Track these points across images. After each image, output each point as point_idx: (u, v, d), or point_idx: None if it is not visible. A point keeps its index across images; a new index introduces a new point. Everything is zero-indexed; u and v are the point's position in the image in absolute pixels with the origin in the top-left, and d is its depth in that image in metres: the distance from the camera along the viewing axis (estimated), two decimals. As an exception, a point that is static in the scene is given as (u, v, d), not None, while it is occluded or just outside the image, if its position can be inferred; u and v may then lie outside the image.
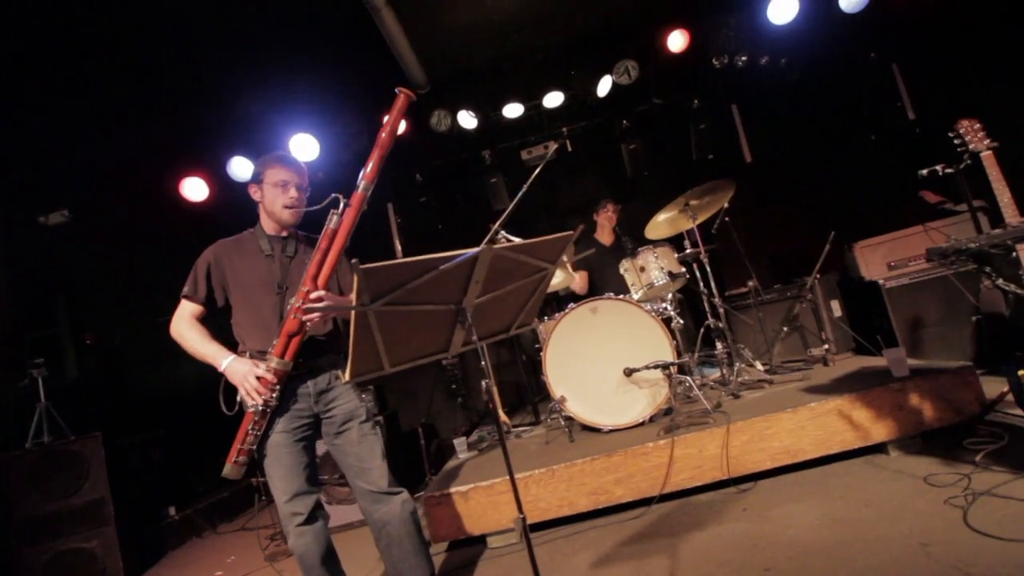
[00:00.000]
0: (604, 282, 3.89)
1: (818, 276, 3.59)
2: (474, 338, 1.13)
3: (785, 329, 3.66)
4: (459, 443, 3.36)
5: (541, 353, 3.10)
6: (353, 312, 0.99)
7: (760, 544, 1.99)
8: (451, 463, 3.23)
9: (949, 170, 2.59)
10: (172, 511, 4.21)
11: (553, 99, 4.47)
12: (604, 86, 4.40)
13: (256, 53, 3.78)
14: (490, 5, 3.84)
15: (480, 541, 2.61)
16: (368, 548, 2.83)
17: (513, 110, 4.51)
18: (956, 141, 2.42)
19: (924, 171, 2.72)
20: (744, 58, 4.37)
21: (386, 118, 1.90)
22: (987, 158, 2.33)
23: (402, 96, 1.84)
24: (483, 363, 1.18)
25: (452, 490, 2.58)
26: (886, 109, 4.75)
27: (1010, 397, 2.21)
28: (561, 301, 4.26)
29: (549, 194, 5.24)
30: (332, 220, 1.79)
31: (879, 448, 2.50)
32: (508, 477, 2.56)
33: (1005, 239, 1.79)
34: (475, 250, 1.04)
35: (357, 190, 1.80)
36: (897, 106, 4.70)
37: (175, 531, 4.13)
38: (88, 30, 3.28)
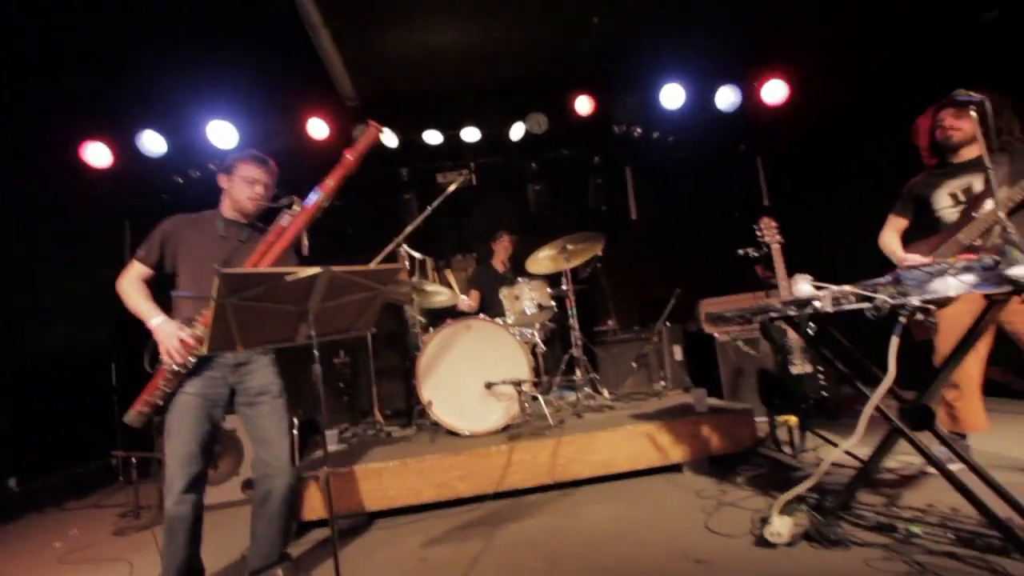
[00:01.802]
0: (492, 304, 4.32)
1: (667, 324, 4.25)
2: (312, 333, 1.46)
3: (635, 365, 4.27)
4: (329, 435, 3.58)
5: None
6: (213, 302, 1.30)
7: (561, 532, 2.44)
8: (317, 452, 3.44)
9: (755, 253, 3.29)
10: (12, 483, 4.00)
11: (470, 134, 4.91)
12: (517, 131, 4.92)
13: (180, 35, 3.83)
14: (423, 40, 4.23)
15: (325, 524, 2.84)
16: (221, 533, 2.95)
17: (433, 137, 4.89)
18: (758, 233, 3.11)
19: (741, 251, 3.41)
20: (639, 130, 5.08)
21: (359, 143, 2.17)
22: (775, 250, 3.01)
23: (372, 130, 2.13)
24: (315, 352, 1.49)
25: (307, 474, 2.82)
26: (749, 193, 5.68)
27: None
28: (453, 316, 4.64)
29: (459, 219, 5.64)
30: (284, 219, 2.05)
31: (676, 468, 3.07)
32: (363, 467, 2.86)
33: (751, 312, 2.37)
34: (316, 270, 1.38)
35: (314, 200, 2.06)
36: (757, 193, 5.63)
37: (14, 504, 3.92)
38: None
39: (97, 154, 4.29)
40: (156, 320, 1.99)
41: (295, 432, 3.95)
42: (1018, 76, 4.14)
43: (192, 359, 1.96)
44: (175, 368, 1.95)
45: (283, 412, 2.19)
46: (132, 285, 2.09)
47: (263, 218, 2.29)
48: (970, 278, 1.49)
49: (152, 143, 4.39)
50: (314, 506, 2.80)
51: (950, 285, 1.52)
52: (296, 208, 2.07)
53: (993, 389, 4.11)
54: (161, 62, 3.97)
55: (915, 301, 1.59)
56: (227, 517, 3.14)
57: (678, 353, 4.35)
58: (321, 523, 2.84)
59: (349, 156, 2.15)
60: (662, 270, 5.44)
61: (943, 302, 1.67)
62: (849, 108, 4.69)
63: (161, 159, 4.49)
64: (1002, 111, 2.27)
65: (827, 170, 5.09)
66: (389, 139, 4.80)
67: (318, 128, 4.59)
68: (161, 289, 2.16)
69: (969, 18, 4.13)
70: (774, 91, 4.89)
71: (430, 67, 4.57)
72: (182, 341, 1.94)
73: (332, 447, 3.51)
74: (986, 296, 1.49)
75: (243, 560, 2.41)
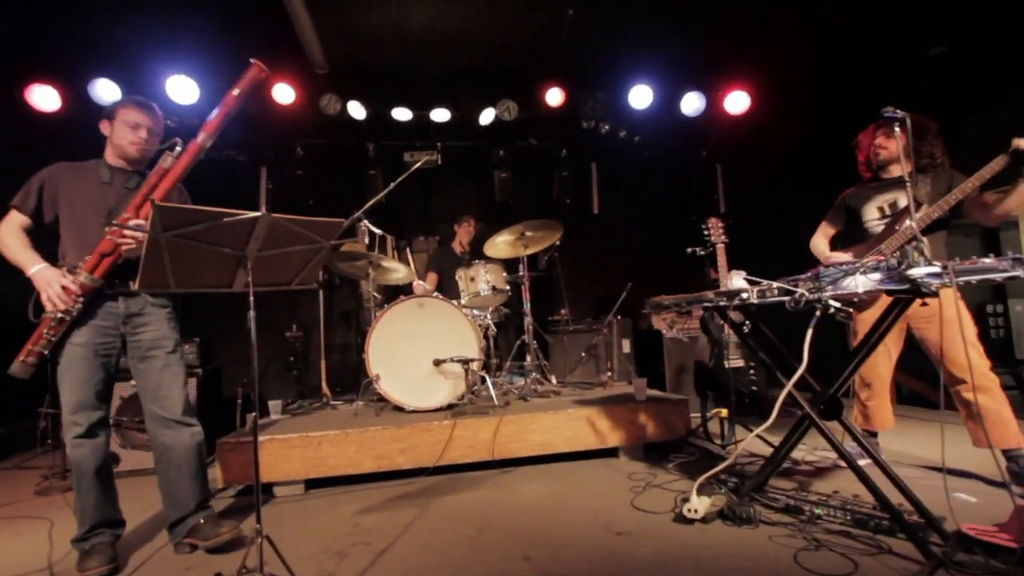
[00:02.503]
0: (450, 286, 4.34)
1: (618, 317, 4.38)
2: (249, 280, 1.46)
3: (584, 355, 4.38)
4: (273, 405, 3.54)
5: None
6: (147, 236, 1.28)
7: (493, 504, 2.50)
8: (261, 421, 3.40)
9: (701, 252, 3.43)
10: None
11: (440, 114, 4.90)
12: (487, 116, 4.94)
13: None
14: (399, 16, 4.19)
15: (267, 490, 2.84)
16: (157, 493, 2.91)
17: (402, 114, 4.86)
18: (705, 232, 3.24)
19: (689, 249, 3.55)
20: (607, 127, 5.18)
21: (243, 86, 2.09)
22: (719, 249, 3.15)
23: (255, 68, 2.05)
24: (250, 313, 1.49)
25: (247, 440, 2.79)
26: (707, 198, 5.88)
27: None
28: (408, 294, 4.65)
29: (424, 200, 5.62)
30: (166, 160, 2.00)
31: (613, 452, 3.18)
32: (303, 435, 2.85)
33: (687, 301, 2.49)
34: (256, 214, 1.38)
35: (195, 139, 2.01)
36: (714, 199, 5.84)
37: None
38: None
39: (45, 98, 4.08)
40: (36, 267, 1.94)
41: (239, 403, 3.93)
42: (960, 105, 4.47)
43: (78, 306, 1.91)
44: (59, 315, 1.89)
45: (178, 367, 2.16)
46: (10, 234, 2.01)
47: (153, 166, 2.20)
48: (877, 276, 1.63)
49: (106, 92, 4.20)
50: (250, 473, 2.77)
51: (860, 282, 1.65)
52: (179, 149, 2.02)
53: (914, 399, 4.45)
54: (123, 11, 3.80)
55: (828, 296, 1.71)
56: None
57: (626, 346, 4.49)
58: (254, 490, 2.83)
59: (232, 94, 2.09)
60: (618, 266, 5.57)
61: (854, 298, 1.80)
62: (804, 123, 4.92)
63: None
64: (925, 135, 2.45)
65: (781, 180, 5.32)
66: (357, 111, 4.74)
67: (284, 93, 4.49)
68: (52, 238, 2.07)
69: (919, 51, 4.42)
70: (737, 101, 5.07)
71: (404, 44, 4.52)
72: (65, 288, 1.90)
73: (275, 417, 3.48)
74: (890, 294, 1.62)
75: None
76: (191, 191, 2.26)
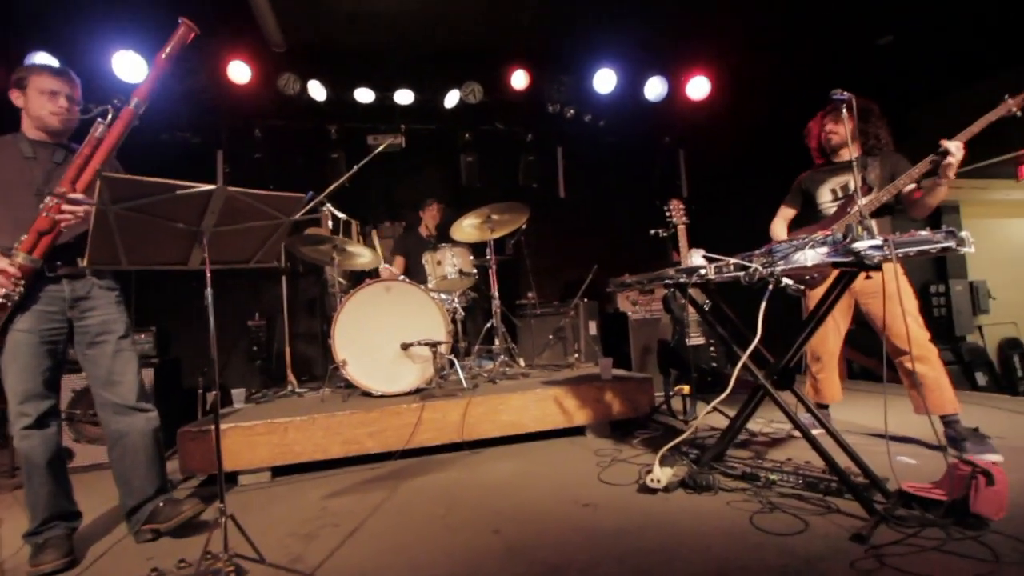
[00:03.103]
0: (416, 271, 4.31)
1: (585, 300, 4.44)
2: (206, 256, 1.41)
3: (551, 337, 4.43)
4: (236, 393, 3.47)
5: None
6: (94, 209, 1.22)
7: (462, 484, 2.53)
8: (224, 410, 3.32)
9: (664, 233, 3.51)
10: None
11: (404, 96, 4.81)
12: (452, 99, 4.88)
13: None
14: (360, -3, 4.07)
15: (232, 479, 2.79)
16: (114, 487, 2.82)
17: (364, 95, 4.74)
18: (667, 214, 3.31)
19: (652, 231, 3.62)
20: (572, 111, 5.19)
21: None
22: (680, 230, 3.23)
23: (182, 27, 1.95)
24: (207, 291, 1.44)
25: (209, 427, 2.72)
26: (669, 183, 5.99)
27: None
28: (374, 278, 4.59)
29: (388, 184, 5.54)
30: (98, 129, 1.87)
31: (579, 430, 3.25)
32: (268, 421, 2.80)
33: (648, 279, 2.54)
34: (210, 187, 1.34)
35: (128, 105, 1.90)
36: (677, 184, 5.95)
37: None
38: None
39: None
40: None
41: (200, 392, 3.82)
42: (909, 95, 4.68)
43: (19, 290, 1.80)
44: None
45: (131, 352, 2.08)
46: None
47: (79, 138, 2.06)
48: (824, 250, 1.71)
49: (43, 70, 3.95)
50: (213, 462, 2.70)
51: (809, 256, 1.73)
52: (110, 116, 1.91)
53: (865, 375, 4.70)
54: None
55: (779, 270, 1.79)
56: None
57: (593, 328, 4.56)
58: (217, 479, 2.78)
59: (161, 56, 1.99)
60: (584, 249, 5.63)
61: (805, 275, 1.89)
62: (762, 110, 5.06)
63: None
64: (869, 116, 2.57)
65: (740, 166, 5.47)
66: (317, 91, 4.60)
67: (239, 71, 4.32)
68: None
69: (867, 41, 4.60)
70: (698, 87, 5.16)
71: (366, 24, 4.41)
72: (2, 271, 1.79)
73: (239, 406, 3.41)
74: (836, 266, 1.71)
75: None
76: (145, 173, 2.15)
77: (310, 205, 1.64)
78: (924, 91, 4.78)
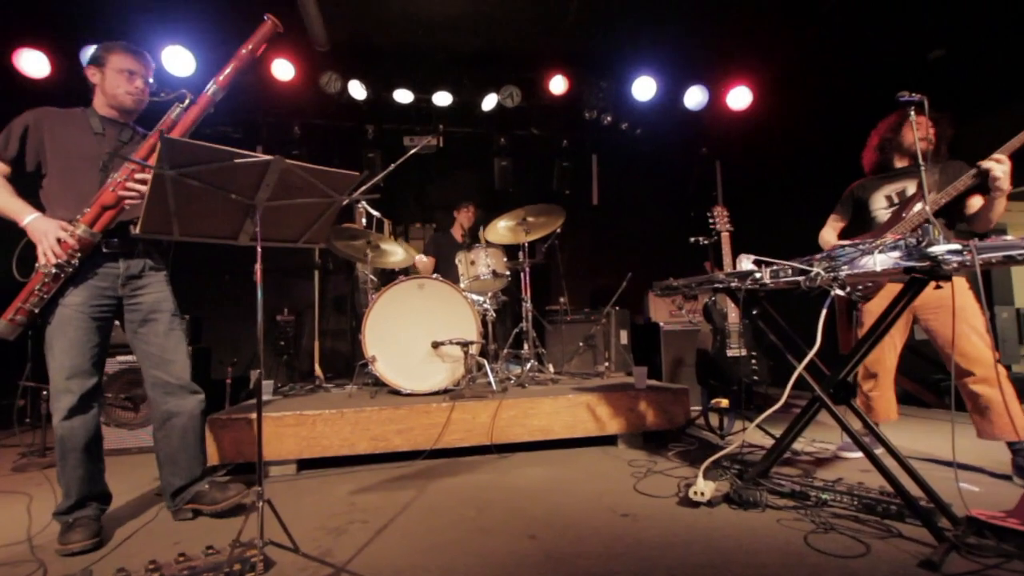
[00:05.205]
0: (447, 271, 4.28)
1: (616, 308, 4.34)
2: (257, 231, 1.39)
3: (581, 345, 4.34)
4: (265, 385, 3.45)
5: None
6: (152, 174, 1.20)
7: (493, 487, 2.45)
8: (251, 401, 3.32)
9: (705, 241, 3.41)
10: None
11: (442, 98, 4.82)
12: (489, 102, 4.88)
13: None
14: (406, 3, 4.10)
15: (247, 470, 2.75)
16: (141, 472, 2.82)
17: (403, 96, 4.77)
18: (710, 221, 3.22)
19: (692, 239, 3.53)
20: (609, 118, 5.14)
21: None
22: (724, 237, 3.14)
23: (268, 23, 1.97)
24: (256, 265, 1.41)
25: (239, 416, 2.71)
26: (705, 194, 5.88)
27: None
28: (406, 275, 4.58)
29: (423, 186, 5.55)
30: (175, 112, 1.89)
31: (611, 440, 3.15)
32: (297, 413, 2.77)
33: (697, 283, 2.45)
34: (268, 157, 1.32)
35: (206, 92, 1.91)
36: (713, 195, 5.83)
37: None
38: None
39: (34, 63, 3.94)
40: (30, 217, 1.79)
41: (229, 382, 3.83)
42: (960, 110, 4.50)
43: (74, 262, 1.78)
44: (53, 271, 1.76)
45: (181, 332, 2.07)
46: None
47: (144, 123, 2.10)
48: (896, 254, 1.60)
49: (97, 62, 4.07)
50: (241, 450, 2.69)
51: (878, 261, 1.63)
52: (189, 101, 1.93)
53: (905, 398, 4.49)
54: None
55: (843, 275, 1.69)
56: (147, 460, 2.97)
57: (624, 337, 4.46)
58: (243, 468, 2.76)
59: (243, 50, 2.01)
60: (617, 258, 5.54)
61: (869, 280, 1.78)
62: (804, 123, 4.93)
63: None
64: (941, 122, 2.45)
65: (779, 179, 5.34)
66: (357, 91, 4.65)
67: (283, 69, 4.39)
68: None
69: (919, 54, 4.46)
70: (739, 97, 5.07)
71: (409, 24, 4.44)
72: (61, 241, 1.77)
73: (267, 397, 3.39)
74: (908, 271, 1.60)
75: (157, 497, 2.31)
76: None
77: (366, 187, 1.62)
78: (975, 105, 4.61)
